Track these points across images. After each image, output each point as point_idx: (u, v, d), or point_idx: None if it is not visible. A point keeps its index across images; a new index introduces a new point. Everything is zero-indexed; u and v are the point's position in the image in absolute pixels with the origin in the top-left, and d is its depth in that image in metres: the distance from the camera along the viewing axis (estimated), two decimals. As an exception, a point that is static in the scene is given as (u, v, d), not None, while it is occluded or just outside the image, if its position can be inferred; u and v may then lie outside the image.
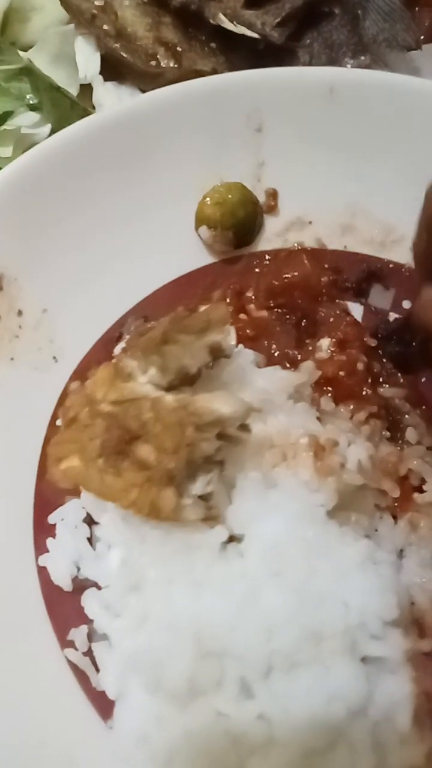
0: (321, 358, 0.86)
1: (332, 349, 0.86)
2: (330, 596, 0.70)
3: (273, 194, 0.96)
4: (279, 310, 0.91)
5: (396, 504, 0.81)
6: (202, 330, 0.75)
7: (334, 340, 0.87)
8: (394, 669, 0.71)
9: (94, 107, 1.07)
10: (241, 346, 0.86)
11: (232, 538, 0.74)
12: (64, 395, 0.87)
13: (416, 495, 0.81)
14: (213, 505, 0.72)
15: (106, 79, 1.08)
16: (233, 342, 0.77)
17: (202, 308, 0.80)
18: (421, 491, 0.81)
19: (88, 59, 1.08)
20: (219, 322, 0.75)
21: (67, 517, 0.82)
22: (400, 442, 0.84)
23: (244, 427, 0.73)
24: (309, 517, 0.73)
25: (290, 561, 0.71)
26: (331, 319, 0.90)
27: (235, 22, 1.07)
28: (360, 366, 0.85)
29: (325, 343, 0.87)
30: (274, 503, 0.74)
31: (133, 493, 0.70)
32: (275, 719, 0.68)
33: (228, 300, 0.92)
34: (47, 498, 0.84)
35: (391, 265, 0.94)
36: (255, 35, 1.06)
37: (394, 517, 0.81)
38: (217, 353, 0.76)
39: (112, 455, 0.72)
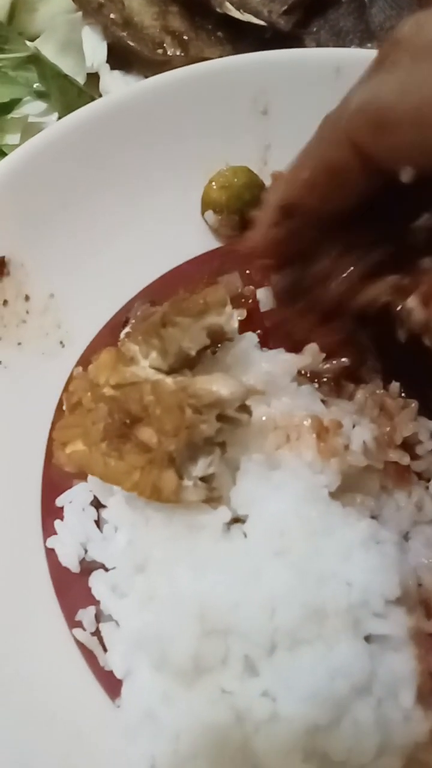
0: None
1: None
2: (332, 575, 0.70)
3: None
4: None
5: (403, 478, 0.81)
6: (200, 312, 0.75)
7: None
8: (398, 647, 0.71)
9: (101, 95, 1.07)
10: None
11: (236, 519, 0.75)
12: (71, 380, 0.87)
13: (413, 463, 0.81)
14: (215, 486, 0.73)
15: (113, 68, 1.09)
16: (236, 325, 0.78)
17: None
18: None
19: (95, 48, 1.10)
20: (217, 304, 0.75)
21: (74, 499, 0.83)
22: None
23: (245, 409, 0.73)
24: (312, 497, 0.73)
25: (293, 540, 0.71)
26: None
27: (241, 10, 1.07)
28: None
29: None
30: (278, 484, 0.74)
31: (136, 475, 0.71)
32: (279, 696, 0.69)
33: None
34: (55, 481, 0.84)
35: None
36: (262, 23, 1.07)
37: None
38: (218, 336, 0.76)
39: (115, 438, 0.72)
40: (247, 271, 0.93)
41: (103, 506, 0.81)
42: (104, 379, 0.76)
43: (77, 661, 0.79)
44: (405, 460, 0.79)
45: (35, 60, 1.06)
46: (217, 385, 0.71)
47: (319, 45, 1.08)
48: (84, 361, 0.88)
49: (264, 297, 0.90)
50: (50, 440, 0.85)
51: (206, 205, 0.94)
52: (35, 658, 0.78)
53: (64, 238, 0.91)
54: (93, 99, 1.04)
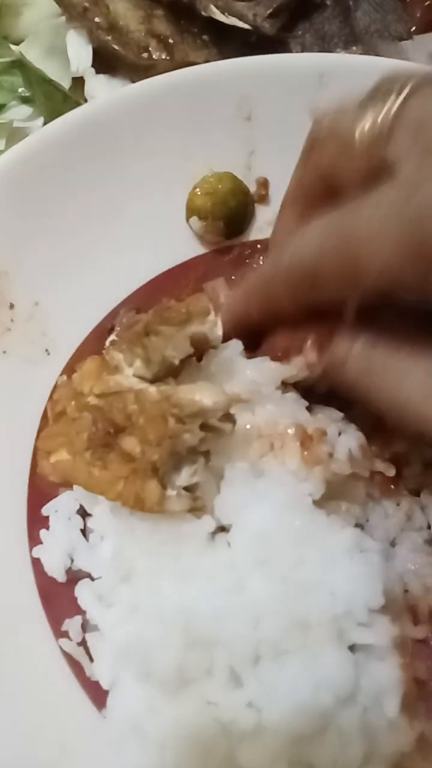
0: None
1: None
2: (316, 584, 0.70)
3: (264, 183, 0.96)
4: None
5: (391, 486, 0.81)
6: (183, 321, 0.75)
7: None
8: (383, 656, 0.71)
9: (86, 100, 1.07)
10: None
11: (221, 528, 0.74)
12: (56, 389, 0.87)
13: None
14: (199, 495, 0.73)
15: (98, 72, 1.08)
16: (219, 333, 0.77)
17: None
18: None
19: (80, 52, 1.09)
20: (200, 313, 0.75)
21: (60, 508, 0.82)
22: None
23: (229, 418, 0.73)
24: (296, 506, 0.73)
25: (277, 550, 0.71)
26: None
27: (226, 14, 1.07)
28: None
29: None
30: (262, 493, 0.74)
31: (119, 485, 0.71)
32: (264, 707, 0.69)
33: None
34: (41, 490, 0.84)
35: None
36: (247, 27, 1.06)
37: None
38: (201, 344, 0.76)
39: (99, 448, 0.72)
40: (233, 277, 0.93)
41: (90, 515, 0.81)
42: (88, 388, 0.76)
43: (64, 671, 0.78)
44: (390, 471, 0.79)
45: (20, 65, 1.05)
46: (200, 394, 0.71)
47: (304, 49, 1.07)
48: (69, 369, 0.88)
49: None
50: (36, 449, 0.85)
51: (191, 211, 0.93)
52: (21, 668, 0.78)
53: (49, 245, 0.90)
54: (78, 104, 1.04)
